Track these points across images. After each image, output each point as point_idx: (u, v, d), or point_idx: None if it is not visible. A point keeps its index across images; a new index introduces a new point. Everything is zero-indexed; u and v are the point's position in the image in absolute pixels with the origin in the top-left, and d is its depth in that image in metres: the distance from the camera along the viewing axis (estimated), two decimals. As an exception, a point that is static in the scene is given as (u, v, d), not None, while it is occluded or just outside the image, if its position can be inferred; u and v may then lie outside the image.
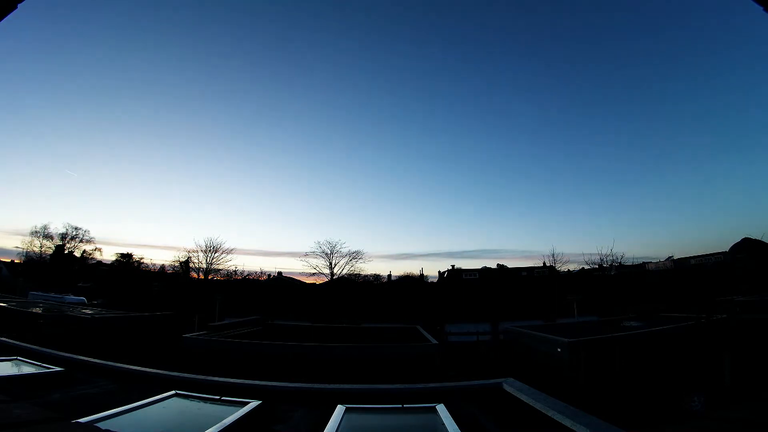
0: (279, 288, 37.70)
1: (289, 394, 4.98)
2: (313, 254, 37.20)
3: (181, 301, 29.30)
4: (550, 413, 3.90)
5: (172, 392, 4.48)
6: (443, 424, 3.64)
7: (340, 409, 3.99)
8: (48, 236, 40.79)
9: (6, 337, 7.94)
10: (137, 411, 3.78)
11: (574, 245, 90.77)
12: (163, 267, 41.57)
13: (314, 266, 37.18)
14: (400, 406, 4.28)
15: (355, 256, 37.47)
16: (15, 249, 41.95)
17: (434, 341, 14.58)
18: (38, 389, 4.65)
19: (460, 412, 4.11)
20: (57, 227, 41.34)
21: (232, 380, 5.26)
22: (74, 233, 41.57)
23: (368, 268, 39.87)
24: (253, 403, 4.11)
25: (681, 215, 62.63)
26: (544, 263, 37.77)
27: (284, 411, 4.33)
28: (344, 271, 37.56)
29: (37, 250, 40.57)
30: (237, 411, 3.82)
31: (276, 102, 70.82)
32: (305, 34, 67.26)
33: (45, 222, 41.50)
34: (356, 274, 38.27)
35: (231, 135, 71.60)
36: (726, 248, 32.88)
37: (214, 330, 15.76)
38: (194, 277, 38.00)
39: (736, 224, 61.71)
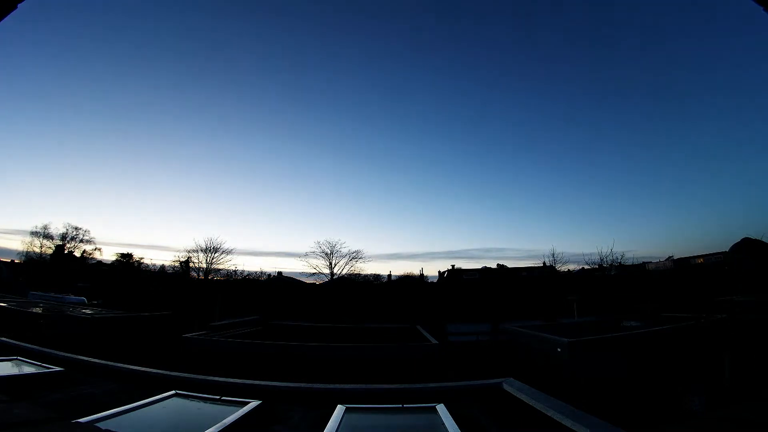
0: (279, 288, 37.70)
1: (289, 394, 4.97)
2: (313, 254, 37.13)
3: (181, 301, 29.29)
4: (550, 413, 3.89)
5: (172, 392, 4.48)
6: (443, 424, 3.64)
7: (340, 409, 3.99)
8: (48, 236, 40.74)
9: (6, 337, 7.92)
10: (137, 411, 3.79)
11: (574, 245, 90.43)
12: (163, 267, 41.53)
13: (314, 266, 37.12)
14: (400, 406, 4.28)
15: (354, 256, 37.40)
16: (15, 249, 42.03)
17: (434, 341, 14.56)
18: (38, 389, 4.65)
19: (460, 412, 4.11)
20: (57, 227, 41.25)
21: (232, 380, 5.25)
22: (74, 233, 41.52)
23: (368, 268, 39.86)
24: (253, 403, 4.11)
25: (681, 215, 62.67)
26: (544, 263, 37.76)
27: (284, 411, 4.32)
28: (344, 271, 37.49)
29: (37, 250, 40.55)
30: (237, 411, 3.82)
31: (276, 102, 70.86)
32: (304, 34, 67.34)
33: (45, 222, 41.44)
34: (356, 274, 38.18)
35: (231, 135, 71.61)
36: (726, 248, 32.93)
37: (214, 330, 15.77)
38: (194, 277, 37.97)
39: (736, 224, 61.82)
